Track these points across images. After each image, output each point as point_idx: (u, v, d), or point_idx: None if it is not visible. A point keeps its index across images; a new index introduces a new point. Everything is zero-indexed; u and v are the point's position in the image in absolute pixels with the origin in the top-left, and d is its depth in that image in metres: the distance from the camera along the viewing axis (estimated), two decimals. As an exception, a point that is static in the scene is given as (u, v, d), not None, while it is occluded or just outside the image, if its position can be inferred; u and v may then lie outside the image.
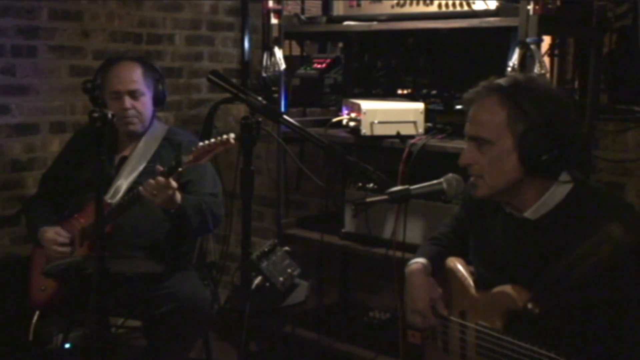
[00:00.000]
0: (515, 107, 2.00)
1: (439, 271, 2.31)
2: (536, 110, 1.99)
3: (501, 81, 2.08)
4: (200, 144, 2.67)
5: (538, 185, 2.04)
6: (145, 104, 3.11)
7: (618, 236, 1.89)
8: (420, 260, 2.34)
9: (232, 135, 2.55)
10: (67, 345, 3.35)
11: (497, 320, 2.07)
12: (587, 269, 1.90)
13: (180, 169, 2.74)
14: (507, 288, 2.05)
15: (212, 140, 2.65)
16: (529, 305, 1.97)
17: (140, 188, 2.80)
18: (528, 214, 2.07)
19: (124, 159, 3.14)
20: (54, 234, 3.01)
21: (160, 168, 2.77)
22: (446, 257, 2.33)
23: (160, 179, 2.74)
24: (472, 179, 2.12)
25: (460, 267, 2.26)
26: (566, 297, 1.95)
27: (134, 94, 3.07)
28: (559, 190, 2.04)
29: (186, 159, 2.71)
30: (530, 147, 1.98)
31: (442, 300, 2.26)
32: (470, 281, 2.21)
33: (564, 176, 2.06)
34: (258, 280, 2.26)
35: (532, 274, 2.02)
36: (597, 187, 2.14)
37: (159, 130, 3.20)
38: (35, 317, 3.05)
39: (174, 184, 2.76)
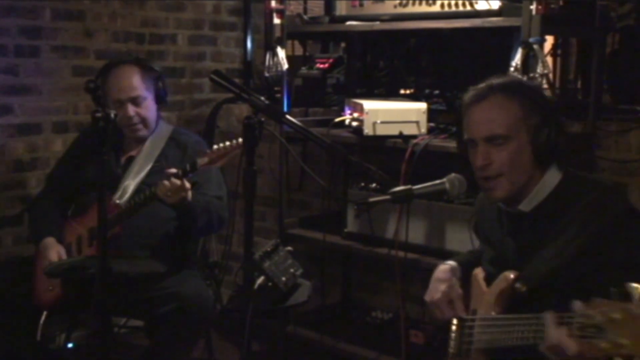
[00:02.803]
0: (525, 101, 2.04)
1: (468, 279, 2.31)
2: (544, 103, 2.06)
3: (500, 80, 2.11)
4: (215, 146, 2.70)
5: (537, 175, 2.08)
6: (149, 107, 3.11)
7: (602, 208, 1.96)
8: (451, 262, 2.35)
9: None
10: (69, 345, 3.36)
11: (495, 307, 2.08)
12: (574, 245, 1.94)
13: (194, 172, 2.76)
14: (502, 274, 2.07)
15: (227, 143, 2.67)
16: (517, 285, 2.00)
17: (154, 189, 2.80)
18: (522, 206, 2.10)
19: (130, 159, 3.14)
20: (55, 254, 2.97)
21: (172, 171, 2.77)
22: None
23: (176, 181, 2.75)
24: (487, 182, 2.10)
25: (481, 273, 2.27)
26: (553, 277, 1.97)
27: (135, 101, 3.06)
28: (550, 180, 2.08)
29: (201, 161, 2.72)
30: (547, 138, 2.02)
31: (463, 302, 2.25)
32: (483, 281, 2.22)
33: (554, 166, 2.09)
34: (260, 280, 2.26)
35: (526, 261, 2.05)
36: (586, 175, 2.17)
37: (164, 130, 3.20)
38: (43, 317, 3.05)
39: (188, 185, 2.77)
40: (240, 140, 2.61)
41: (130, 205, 2.93)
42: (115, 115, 2.31)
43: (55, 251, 2.99)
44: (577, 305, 1.59)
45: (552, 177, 2.08)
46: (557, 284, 1.97)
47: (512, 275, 2.03)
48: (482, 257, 2.32)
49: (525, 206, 2.10)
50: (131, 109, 3.06)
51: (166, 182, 2.76)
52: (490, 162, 2.07)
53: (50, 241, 3.02)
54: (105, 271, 2.30)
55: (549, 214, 2.05)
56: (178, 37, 4.43)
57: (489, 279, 2.18)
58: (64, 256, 3.00)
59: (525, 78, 2.72)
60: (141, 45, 4.22)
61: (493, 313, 2.08)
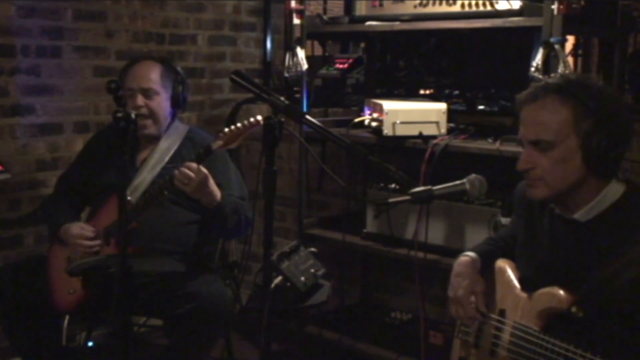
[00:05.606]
0: (579, 104, 1.96)
1: (488, 269, 2.29)
2: (600, 107, 1.96)
3: (557, 80, 2.06)
4: (227, 129, 2.68)
5: (594, 185, 2.01)
6: (160, 104, 3.07)
7: None
8: (470, 254, 2.33)
9: (259, 117, 2.54)
10: (90, 344, 3.38)
11: (536, 320, 2.06)
12: (636, 273, 1.86)
13: (208, 157, 2.75)
14: (554, 290, 2.02)
15: (239, 124, 2.66)
16: (573, 309, 1.94)
17: (171, 177, 2.78)
18: (578, 215, 2.03)
19: (145, 160, 3.13)
20: (80, 229, 2.98)
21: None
22: (498, 258, 2.31)
23: (193, 164, 2.73)
24: (528, 180, 2.07)
25: (508, 268, 2.24)
26: (612, 303, 1.91)
27: (146, 92, 3.03)
28: (612, 192, 2.01)
29: (215, 145, 2.70)
30: (598, 145, 1.94)
31: (485, 297, 2.24)
32: (516, 282, 2.19)
33: (617, 178, 2.03)
34: (278, 280, 2.26)
35: (578, 277, 1.98)
36: None
37: (179, 130, 3.18)
38: (66, 322, 3.06)
39: (204, 171, 2.76)
40: (252, 119, 2.60)
41: (145, 197, 2.91)
42: (137, 115, 2.31)
43: (77, 227, 2.98)
44: None
45: (614, 189, 2.01)
46: (615, 309, 1.92)
47: (568, 297, 1.98)
48: (517, 252, 2.27)
49: (582, 216, 2.03)
50: (140, 99, 3.02)
51: (183, 169, 2.74)
52: (532, 166, 2.03)
53: (68, 225, 3.00)
54: (126, 270, 2.31)
55: (608, 229, 1.99)
56: (198, 37, 4.45)
57: (528, 282, 2.15)
58: (88, 228, 2.97)
59: (546, 78, 2.71)
60: (162, 46, 4.24)
61: (534, 327, 2.05)
